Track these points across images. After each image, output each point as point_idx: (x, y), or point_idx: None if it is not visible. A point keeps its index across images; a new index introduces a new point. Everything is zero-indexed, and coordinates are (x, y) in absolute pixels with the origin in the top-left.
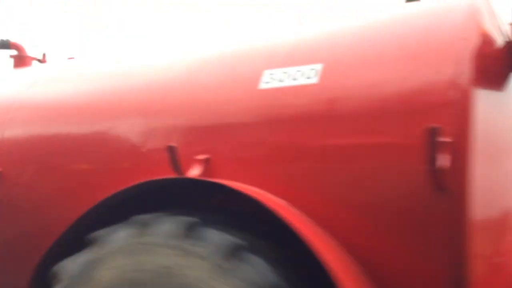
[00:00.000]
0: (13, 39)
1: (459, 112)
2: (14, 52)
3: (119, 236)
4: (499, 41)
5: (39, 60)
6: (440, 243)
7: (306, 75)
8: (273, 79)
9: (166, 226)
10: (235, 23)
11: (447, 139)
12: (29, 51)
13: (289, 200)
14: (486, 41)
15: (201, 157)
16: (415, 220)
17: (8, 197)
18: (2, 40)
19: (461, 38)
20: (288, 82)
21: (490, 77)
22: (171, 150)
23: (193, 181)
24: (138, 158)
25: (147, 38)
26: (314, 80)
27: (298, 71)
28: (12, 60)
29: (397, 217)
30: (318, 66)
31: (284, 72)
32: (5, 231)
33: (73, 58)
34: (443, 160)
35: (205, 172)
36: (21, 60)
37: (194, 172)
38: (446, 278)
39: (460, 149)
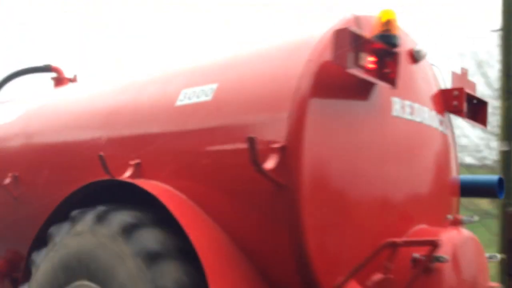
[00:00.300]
0: (53, 64)
1: (292, 121)
2: (54, 74)
3: (63, 231)
4: (346, 65)
5: (71, 80)
6: (283, 222)
7: (205, 93)
8: (186, 98)
9: (87, 217)
10: (235, 23)
11: (276, 145)
12: (66, 73)
13: (190, 191)
14: (326, 65)
15: (133, 162)
16: (266, 205)
17: (23, 196)
18: (45, 65)
19: (306, 61)
20: (193, 100)
21: (333, 91)
22: (101, 158)
23: (112, 182)
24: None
25: (147, 38)
26: (209, 97)
27: (202, 90)
28: (52, 81)
29: (254, 202)
30: (215, 86)
31: (193, 91)
32: (20, 225)
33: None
34: (269, 163)
35: (135, 174)
36: (59, 81)
37: (127, 174)
38: (290, 246)
39: (292, 152)
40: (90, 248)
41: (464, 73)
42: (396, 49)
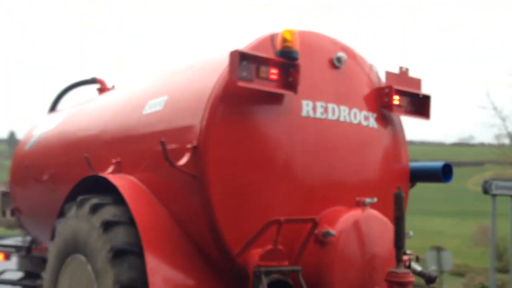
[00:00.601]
0: (98, 76)
1: (202, 126)
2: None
3: (72, 210)
4: (237, 80)
5: (111, 90)
6: (199, 204)
7: (160, 104)
8: (149, 108)
9: (74, 206)
10: (235, 23)
11: (189, 145)
12: (109, 84)
13: (146, 180)
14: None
15: (115, 160)
16: (188, 191)
17: (57, 192)
18: (91, 78)
19: (217, 78)
20: (153, 109)
21: (241, 101)
22: (86, 159)
23: (95, 176)
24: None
25: (147, 38)
26: (161, 107)
27: (158, 101)
28: (97, 92)
29: (182, 187)
30: (166, 98)
31: (154, 102)
32: (56, 209)
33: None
34: (182, 160)
35: (116, 170)
36: (102, 91)
37: (109, 170)
38: (206, 222)
39: (202, 151)
40: (76, 228)
41: (404, 71)
42: (296, 62)
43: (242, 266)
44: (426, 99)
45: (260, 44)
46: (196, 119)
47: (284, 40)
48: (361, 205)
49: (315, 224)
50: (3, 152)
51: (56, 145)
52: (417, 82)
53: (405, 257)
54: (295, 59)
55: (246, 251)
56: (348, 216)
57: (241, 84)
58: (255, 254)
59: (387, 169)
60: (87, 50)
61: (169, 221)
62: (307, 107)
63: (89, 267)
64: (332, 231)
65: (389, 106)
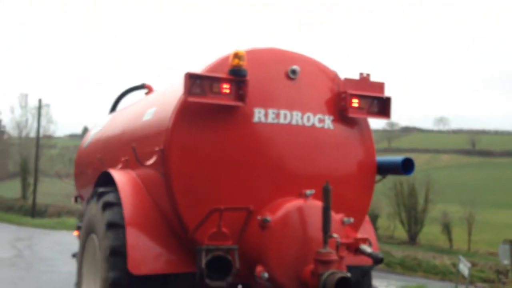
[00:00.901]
0: (147, 82)
1: (167, 134)
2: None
3: (92, 198)
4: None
5: None
6: (167, 196)
7: (151, 114)
8: (147, 116)
9: (93, 193)
10: (235, 23)
11: (157, 148)
12: (156, 88)
13: (140, 175)
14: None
15: (124, 158)
16: (161, 184)
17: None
18: (141, 84)
19: (181, 95)
20: (148, 117)
21: (199, 112)
22: (99, 159)
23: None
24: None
25: (147, 38)
26: (151, 116)
27: (151, 111)
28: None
29: (160, 181)
30: (155, 109)
31: (149, 111)
32: None
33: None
34: (150, 161)
35: (124, 166)
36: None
37: (118, 167)
38: (170, 208)
39: (166, 153)
40: (92, 212)
41: (365, 77)
42: (244, 78)
43: (198, 243)
44: (387, 101)
45: (219, 63)
46: (163, 127)
47: (234, 60)
48: (303, 196)
49: (249, 212)
50: (78, 146)
51: (99, 144)
52: (380, 86)
53: (362, 242)
54: (243, 76)
55: (200, 232)
56: (289, 205)
57: (191, 99)
58: (206, 235)
59: (346, 163)
60: (87, 50)
61: (149, 204)
62: (259, 114)
63: (96, 240)
64: (269, 217)
65: (346, 109)
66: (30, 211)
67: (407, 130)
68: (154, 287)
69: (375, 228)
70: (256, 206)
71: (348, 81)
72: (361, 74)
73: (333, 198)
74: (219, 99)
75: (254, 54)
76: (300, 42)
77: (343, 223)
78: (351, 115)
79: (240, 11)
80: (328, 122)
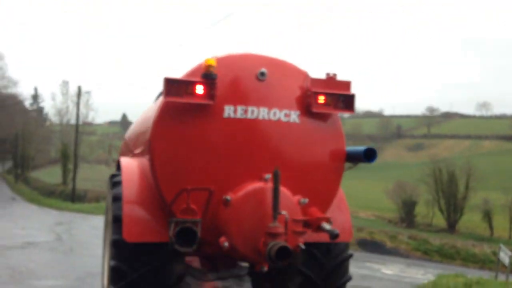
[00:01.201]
0: None
1: (153, 128)
2: None
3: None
4: (165, 97)
5: None
6: (153, 176)
7: (151, 110)
8: (152, 112)
9: (110, 177)
10: (235, 23)
11: (145, 139)
12: None
13: (142, 164)
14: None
15: (136, 151)
16: (149, 169)
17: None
18: None
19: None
20: (149, 114)
21: (180, 111)
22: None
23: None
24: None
25: (147, 38)
26: (151, 113)
27: (155, 107)
28: None
29: (148, 165)
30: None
31: (153, 108)
32: None
33: None
34: (138, 150)
35: (135, 156)
36: None
37: (129, 156)
38: (155, 186)
39: (152, 144)
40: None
41: (332, 77)
42: (214, 81)
43: (176, 216)
44: (351, 97)
45: (196, 69)
46: (150, 123)
47: (206, 66)
48: (263, 179)
49: (210, 192)
50: (117, 133)
51: (130, 133)
52: (346, 84)
53: (324, 221)
54: (213, 78)
55: (175, 207)
56: (249, 187)
57: (169, 99)
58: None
59: (311, 153)
60: (87, 50)
61: (145, 185)
62: (228, 110)
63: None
64: (229, 197)
65: (311, 105)
66: (70, 196)
67: (448, 116)
68: (144, 249)
69: (413, 215)
70: (223, 188)
71: (315, 80)
72: (327, 74)
73: (298, 183)
74: (193, 98)
75: (228, 60)
76: (300, 42)
77: (300, 203)
78: (315, 110)
79: (240, 11)
80: (294, 116)
